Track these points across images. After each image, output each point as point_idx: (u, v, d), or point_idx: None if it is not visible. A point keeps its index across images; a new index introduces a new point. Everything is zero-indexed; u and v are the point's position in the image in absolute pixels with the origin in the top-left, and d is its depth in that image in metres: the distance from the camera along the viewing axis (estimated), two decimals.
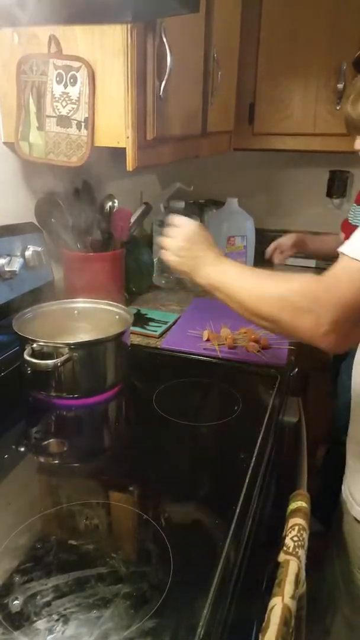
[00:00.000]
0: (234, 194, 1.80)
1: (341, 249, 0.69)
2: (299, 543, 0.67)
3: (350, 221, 1.39)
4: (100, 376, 0.99)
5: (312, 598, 0.72)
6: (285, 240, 1.54)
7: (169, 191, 1.85)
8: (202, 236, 0.88)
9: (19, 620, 0.54)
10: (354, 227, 1.17)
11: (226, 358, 1.16)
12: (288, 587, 0.60)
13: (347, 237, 0.77)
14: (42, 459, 0.86)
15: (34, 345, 0.92)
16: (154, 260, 1.68)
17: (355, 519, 0.94)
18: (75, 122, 1.02)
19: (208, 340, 1.23)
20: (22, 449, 0.87)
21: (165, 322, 1.35)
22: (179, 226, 0.90)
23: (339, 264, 0.68)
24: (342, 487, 1.00)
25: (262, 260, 1.89)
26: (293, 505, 0.74)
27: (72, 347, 0.92)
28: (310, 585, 0.70)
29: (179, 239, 0.88)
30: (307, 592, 0.68)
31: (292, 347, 1.19)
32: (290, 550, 0.66)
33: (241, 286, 0.78)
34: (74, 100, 1.01)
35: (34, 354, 0.91)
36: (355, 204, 1.41)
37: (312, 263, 1.86)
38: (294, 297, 0.70)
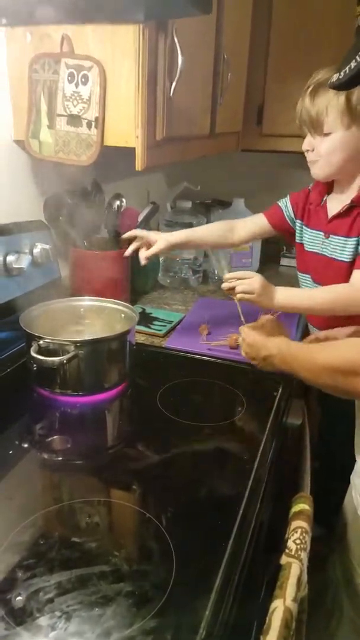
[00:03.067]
0: (241, 194, 1.80)
1: None
2: (302, 546, 0.67)
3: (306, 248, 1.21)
4: (105, 374, 1.00)
5: (316, 602, 0.72)
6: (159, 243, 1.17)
7: (176, 191, 1.85)
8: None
9: (21, 616, 0.54)
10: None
11: (230, 359, 1.17)
12: (290, 590, 0.60)
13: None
14: (45, 456, 0.86)
15: (41, 342, 0.92)
16: (160, 259, 1.68)
17: None
18: (86, 121, 1.02)
19: (209, 333, 1.26)
20: (26, 445, 0.87)
21: (170, 322, 1.35)
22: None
23: None
24: (353, 494, 1.00)
25: (267, 261, 1.90)
26: (296, 508, 0.75)
27: (78, 344, 0.93)
28: (314, 588, 0.70)
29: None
30: (311, 596, 0.68)
31: None
32: (293, 552, 0.66)
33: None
34: (84, 100, 1.01)
35: (40, 351, 0.92)
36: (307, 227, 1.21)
37: None
38: None
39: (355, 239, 1.07)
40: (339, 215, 1.10)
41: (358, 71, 0.70)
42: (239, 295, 1.05)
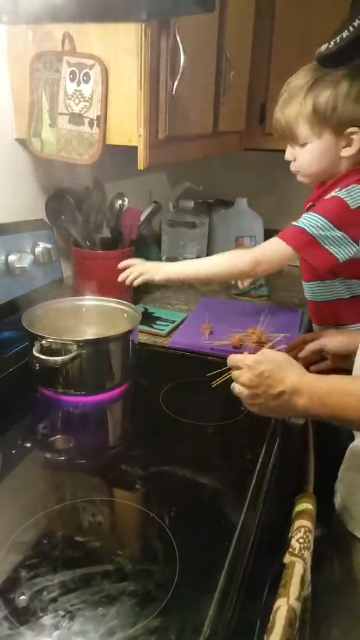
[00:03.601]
0: (244, 194, 1.80)
1: None
2: (305, 545, 0.67)
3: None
4: (108, 374, 1.00)
5: (317, 602, 0.72)
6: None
7: (178, 190, 1.85)
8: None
9: (25, 616, 0.54)
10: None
11: None
12: (293, 589, 0.60)
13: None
14: (48, 455, 0.86)
15: (43, 341, 0.92)
16: (162, 259, 1.68)
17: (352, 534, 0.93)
18: (88, 119, 1.02)
19: (212, 333, 1.25)
20: (29, 445, 0.87)
21: (173, 321, 1.35)
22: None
23: None
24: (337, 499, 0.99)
25: None
26: (299, 507, 0.74)
27: (81, 344, 0.93)
28: (314, 589, 0.70)
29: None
30: (312, 596, 0.68)
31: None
32: (296, 551, 0.66)
33: None
34: (86, 98, 1.01)
35: (42, 351, 0.92)
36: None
37: None
38: None
39: None
40: (306, 212, 1.11)
41: (350, 41, 0.65)
42: (136, 282, 1.16)
